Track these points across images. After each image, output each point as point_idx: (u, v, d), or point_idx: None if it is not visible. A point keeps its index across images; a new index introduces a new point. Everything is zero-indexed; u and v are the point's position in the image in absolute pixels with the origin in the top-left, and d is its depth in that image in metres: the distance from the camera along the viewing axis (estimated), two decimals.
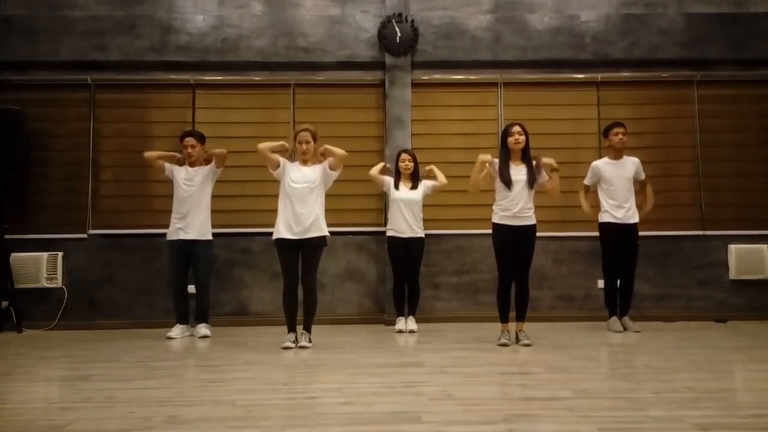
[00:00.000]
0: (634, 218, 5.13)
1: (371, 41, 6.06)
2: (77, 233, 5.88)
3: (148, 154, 5.22)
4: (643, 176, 5.24)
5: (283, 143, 4.45)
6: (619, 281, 5.15)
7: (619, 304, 5.18)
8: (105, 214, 5.95)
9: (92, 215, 5.93)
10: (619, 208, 5.09)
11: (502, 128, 4.69)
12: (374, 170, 5.44)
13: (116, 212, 5.95)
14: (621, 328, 5.07)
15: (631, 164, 5.17)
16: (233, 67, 6.08)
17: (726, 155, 6.12)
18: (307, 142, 4.45)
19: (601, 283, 5.86)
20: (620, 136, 5.15)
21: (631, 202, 5.13)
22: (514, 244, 4.41)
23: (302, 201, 4.35)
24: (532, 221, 4.44)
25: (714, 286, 5.95)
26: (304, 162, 4.48)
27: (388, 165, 5.59)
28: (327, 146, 4.48)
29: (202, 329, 5.05)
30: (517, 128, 4.42)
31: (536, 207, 4.62)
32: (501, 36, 6.10)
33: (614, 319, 5.15)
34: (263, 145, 4.40)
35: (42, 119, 5.96)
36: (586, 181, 5.32)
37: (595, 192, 5.32)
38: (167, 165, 5.19)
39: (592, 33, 6.11)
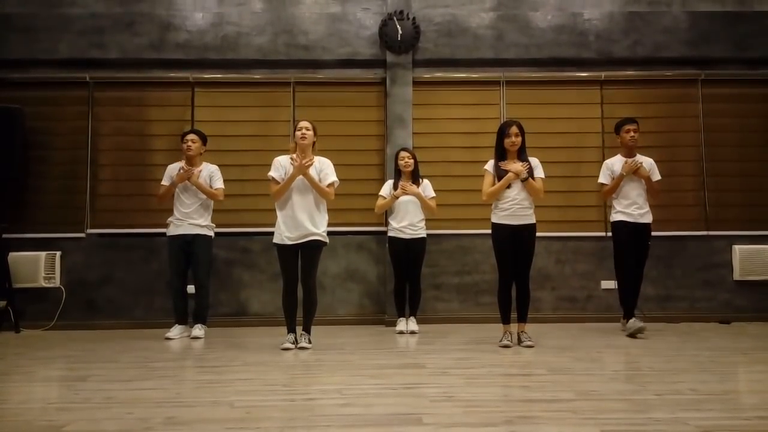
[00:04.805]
0: (648, 218, 4.97)
1: (372, 39, 6.03)
2: (75, 232, 5.85)
3: (161, 195, 5.16)
4: (657, 177, 4.99)
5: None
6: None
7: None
8: (103, 213, 5.92)
9: (90, 214, 5.91)
10: (633, 207, 4.92)
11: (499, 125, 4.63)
12: (379, 204, 5.36)
13: (115, 211, 5.92)
14: (642, 324, 4.76)
15: (644, 164, 4.97)
16: (233, 65, 6.05)
17: (731, 155, 6.08)
18: (307, 128, 4.39)
19: (604, 284, 5.86)
20: (632, 134, 4.97)
21: (645, 202, 4.96)
22: (513, 244, 4.37)
23: (300, 202, 4.31)
24: (532, 220, 4.40)
25: (718, 287, 5.91)
26: (303, 154, 4.41)
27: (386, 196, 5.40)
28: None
29: (196, 330, 5.02)
30: (514, 129, 4.38)
31: (539, 207, 4.59)
32: (503, 34, 6.06)
33: (633, 320, 4.85)
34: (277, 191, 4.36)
35: (40, 117, 5.94)
36: (602, 180, 5.05)
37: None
38: (171, 180, 5.12)
39: (595, 31, 6.07)
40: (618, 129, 5.10)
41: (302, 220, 4.29)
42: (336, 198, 4.50)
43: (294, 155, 4.39)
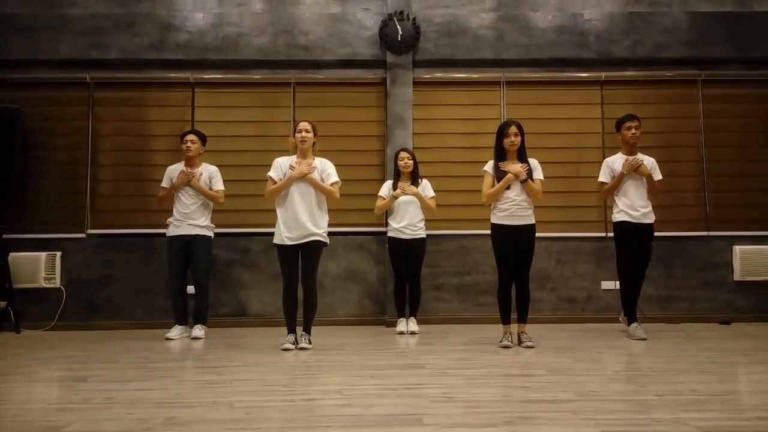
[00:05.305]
0: (650, 218, 4.83)
1: (372, 39, 6.03)
2: (76, 233, 5.85)
3: (161, 198, 5.18)
4: (659, 176, 4.88)
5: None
6: None
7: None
8: (104, 213, 5.92)
9: (91, 215, 5.91)
10: (635, 207, 4.80)
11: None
12: (379, 205, 5.36)
13: (115, 212, 5.92)
14: (644, 335, 4.68)
15: (646, 162, 4.83)
16: (233, 65, 6.05)
17: (731, 155, 6.07)
18: (307, 131, 4.40)
19: (604, 285, 5.85)
20: (633, 131, 4.84)
21: (647, 201, 4.85)
22: (513, 244, 4.36)
23: (301, 202, 4.32)
24: (531, 221, 4.40)
25: (718, 287, 5.90)
26: (303, 155, 4.42)
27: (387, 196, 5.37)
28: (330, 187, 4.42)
29: (196, 330, 5.02)
30: (513, 129, 4.37)
31: (540, 207, 4.59)
32: (504, 34, 6.06)
33: (635, 325, 4.79)
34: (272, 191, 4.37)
35: (41, 118, 5.95)
36: (602, 178, 4.94)
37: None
38: (171, 182, 5.13)
39: (595, 31, 6.07)
40: (619, 126, 4.99)
41: (303, 221, 4.29)
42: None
43: (294, 158, 4.40)
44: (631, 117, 4.94)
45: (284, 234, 4.31)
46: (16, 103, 5.74)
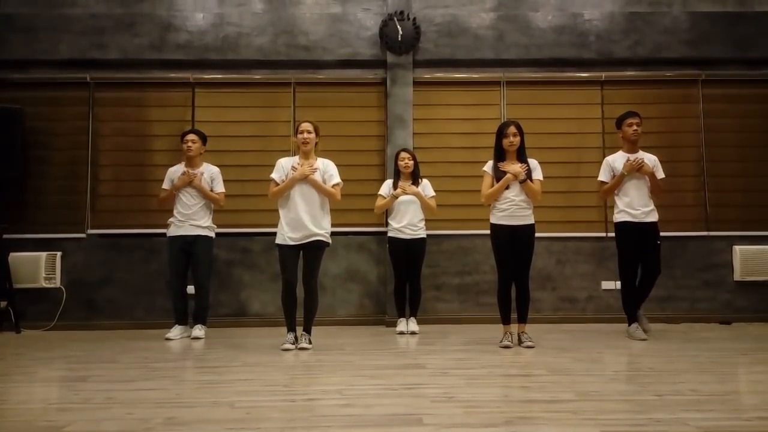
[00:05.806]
0: (653, 216, 4.74)
1: (373, 39, 6.03)
2: (76, 233, 5.85)
3: (162, 199, 5.19)
4: (661, 175, 4.79)
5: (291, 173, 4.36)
6: (638, 280, 4.77)
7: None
8: (104, 213, 5.93)
9: (91, 215, 5.91)
10: (636, 205, 4.72)
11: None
12: (379, 204, 5.36)
13: (115, 212, 5.92)
14: (644, 336, 4.65)
15: (647, 160, 4.75)
16: (233, 65, 6.05)
17: (731, 155, 6.07)
18: (309, 132, 4.41)
19: (605, 285, 5.85)
20: (634, 127, 4.75)
21: (649, 200, 4.73)
22: (512, 245, 4.37)
23: (303, 203, 4.32)
24: (530, 221, 4.40)
25: (719, 287, 5.90)
26: (305, 156, 4.43)
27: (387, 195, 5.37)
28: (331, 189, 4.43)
29: (196, 330, 5.02)
30: (512, 129, 4.37)
31: (540, 207, 4.59)
32: (504, 34, 6.06)
33: (635, 326, 4.75)
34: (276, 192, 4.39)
35: (41, 118, 5.95)
36: (602, 177, 4.85)
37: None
38: (172, 183, 5.13)
39: (596, 31, 6.07)
40: (619, 123, 4.91)
41: (305, 221, 4.30)
42: None
43: (297, 159, 4.41)
44: (632, 114, 4.87)
45: (287, 234, 4.32)
46: (16, 103, 5.75)
